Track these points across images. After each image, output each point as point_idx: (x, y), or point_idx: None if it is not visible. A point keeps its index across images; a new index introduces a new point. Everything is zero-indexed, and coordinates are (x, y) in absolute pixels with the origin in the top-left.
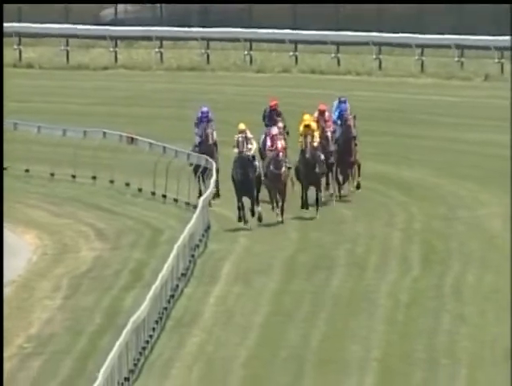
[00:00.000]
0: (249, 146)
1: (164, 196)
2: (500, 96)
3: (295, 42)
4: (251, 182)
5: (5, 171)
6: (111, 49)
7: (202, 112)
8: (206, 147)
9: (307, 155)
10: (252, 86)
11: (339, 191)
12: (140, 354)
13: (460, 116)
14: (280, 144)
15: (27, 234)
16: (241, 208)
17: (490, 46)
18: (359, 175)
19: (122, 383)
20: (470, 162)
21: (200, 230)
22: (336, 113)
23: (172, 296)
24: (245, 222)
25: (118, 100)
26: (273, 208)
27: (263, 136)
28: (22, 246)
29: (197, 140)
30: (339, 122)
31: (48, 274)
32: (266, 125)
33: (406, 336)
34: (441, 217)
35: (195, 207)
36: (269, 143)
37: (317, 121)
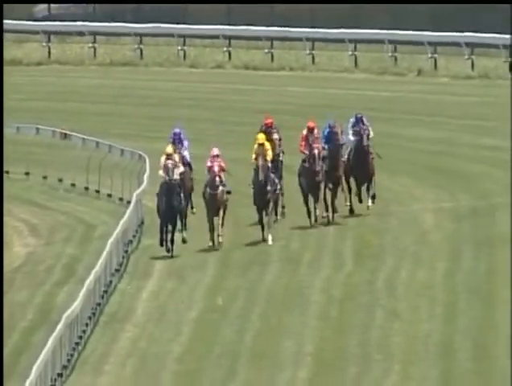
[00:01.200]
0: (178, 171)
1: (97, 191)
2: (433, 91)
3: (229, 37)
4: (175, 210)
5: None
6: (44, 44)
7: (174, 134)
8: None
9: (260, 177)
10: (185, 82)
11: (332, 210)
12: (73, 349)
13: (394, 111)
14: (217, 167)
15: None
16: (164, 233)
17: (423, 41)
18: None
19: (55, 379)
20: (404, 157)
21: (133, 225)
22: (326, 132)
23: (106, 291)
24: (168, 250)
25: (51, 95)
26: (210, 231)
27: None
28: None
29: None
30: (326, 146)
31: None
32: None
33: (339, 331)
34: (375, 212)
35: (128, 202)
36: (209, 164)
37: (306, 139)
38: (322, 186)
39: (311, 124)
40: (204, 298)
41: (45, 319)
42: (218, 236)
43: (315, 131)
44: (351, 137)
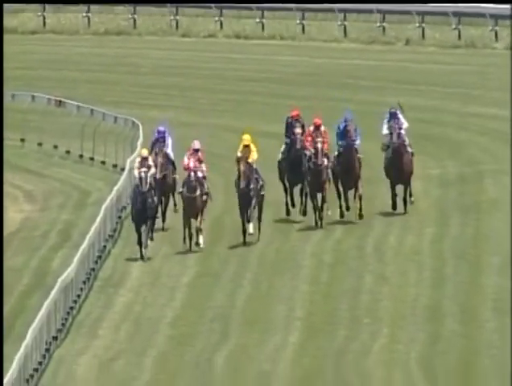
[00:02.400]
0: (151, 176)
1: (92, 159)
2: (420, 60)
3: (221, 7)
4: (149, 213)
5: None
6: (39, 13)
7: (158, 132)
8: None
9: (242, 185)
10: (178, 50)
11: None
12: (68, 313)
13: (382, 79)
14: (193, 163)
15: None
16: (140, 237)
17: (411, 11)
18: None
19: (50, 343)
20: None
21: (127, 192)
22: (342, 127)
23: (100, 257)
24: (142, 257)
25: (46, 63)
26: (184, 239)
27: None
28: None
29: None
30: (340, 142)
31: None
32: (287, 136)
33: (329, 296)
34: (364, 179)
35: (122, 169)
36: (185, 161)
37: (311, 135)
38: (327, 185)
39: (317, 121)
40: (197, 264)
41: (40, 283)
42: (197, 243)
43: (322, 128)
44: (386, 132)
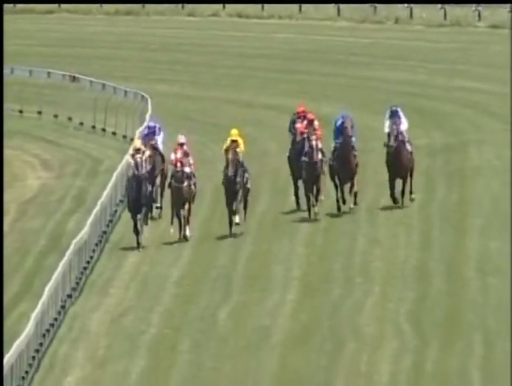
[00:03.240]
0: (147, 165)
1: (104, 130)
2: (409, 38)
3: None
4: (144, 200)
5: None
6: None
7: (149, 128)
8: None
9: (230, 172)
10: (183, 29)
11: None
12: (82, 273)
13: (373, 56)
14: (180, 154)
15: None
16: (136, 225)
17: None
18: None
19: (65, 300)
20: (383, 98)
21: None
22: (338, 124)
23: (111, 221)
24: (138, 244)
25: (61, 41)
26: (172, 222)
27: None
28: None
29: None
30: (336, 141)
31: None
32: (290, 132)
33: (324, 257)
34: (357, 148)
35: (131, 139)
36: (172, 155)
37: (304, 131)
38: (322, 178)
39: (310, 116)
40: (201, 226)
41: (56, 245)
42: (184, 237)
43: (316, 123)
44: (388, 130)
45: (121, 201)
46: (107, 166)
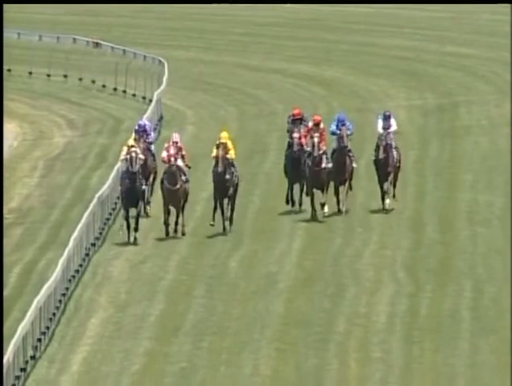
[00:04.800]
0: (140, 162)
1: (124, 91)
2: (405, 7)
3: None
4: (137, 196)
5: None
6: None
7: (139, 126)
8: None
9: (219, 169)
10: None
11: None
12: (104, 224)
13: (372, 24)
14: (173, 150)
15: (9, 123)
16: (127, 220)
17: None
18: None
19: (89, 248)
20: (380, 62)
21: (154, 120)
22: (333, 126)
23: None
24: (133, 239)
25: (86, 11)
26: (165, 222)
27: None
28: (5, 133)
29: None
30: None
31: (27, 157)
32: (289, 136)
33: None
34: (356, 109)
35: (150, 100)
36: (164, 153)
37: (306, 135)
38: (325, 181)
39: (317, 118)
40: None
41: (80, 198)
42: (183, 233)
43: (321, 126)
44: (381, 131)
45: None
46: (127, 125)
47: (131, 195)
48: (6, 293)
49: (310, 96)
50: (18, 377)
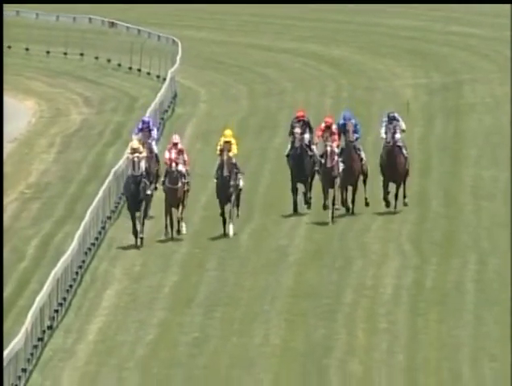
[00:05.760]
0: (143, 164)
1: (139, 70)
2: None
3: None
4: (141, 200)
5: (8, 50)
6: None
7: (143, 122)
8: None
9: (225, 173)
10: None
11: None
12: (120, 198)
13: (379, 4)
14: (175, 154)
15: (27, 100)
16: (135, 224)
17: None
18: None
19: (105, 221)
20: (388, 42)
21: (168, 98)
22: (341, 122)
23: None
24: (136, 243)
25: None
26: (166, 227)
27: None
28: (23, 110)
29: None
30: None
31: (45, 133)
32: (292, 137)
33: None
34: (364, 87)
35: (164, 79)
36: (167, 155)
37: (322, 135)
38: (338, 181)
39: (328, 120)
40: None
41: (96, 174)
42: (178, 231)
43: (334, 127)
44: (383, 135)
45: None
46: (142, 102)
47: (136, 198)
48: (24, 265)
49: (318, 74)
50: (35, 346)
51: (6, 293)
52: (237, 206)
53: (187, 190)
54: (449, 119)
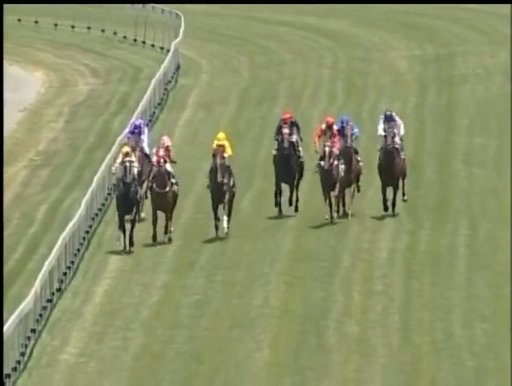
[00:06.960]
0: (135, 171)
1: (144, 42)
2: None
3: None
4: (131, 202)
5: (18, 22)
6: None
7: (135, 127)
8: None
9: (219, 178)
10: None
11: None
12: None
13: None
14: (163, 151)
15: (36, 71)
16: (122, 228)
17: None
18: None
19: (111, 188)
20: (382, 15)
21: (172, 69)
22: (339, 125)
23: (150, 120)
24: (125, 247)
25: None
26: (154, 224)
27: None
28: (33, 81)
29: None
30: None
31: (53, 103)
32: (276, 140)
33: None
34: (360, 58)
35: (168, 50)
36: (155, 158)
37: (320, 135)
38: (338, 184)
39: (329, 119)
40: (227, 126)
41: (103, 142)
42: (166, 235)
43: (335, 128)
44: (381, 133)
45: (159, 104)
46: (147, 73)
47: (125, 202)
48: (33, 229)
49: (317, 46)
50: (45, 307)
51: (16, 257)
52: (230, 210)
53: (177, 195)
54: (442, 89)
